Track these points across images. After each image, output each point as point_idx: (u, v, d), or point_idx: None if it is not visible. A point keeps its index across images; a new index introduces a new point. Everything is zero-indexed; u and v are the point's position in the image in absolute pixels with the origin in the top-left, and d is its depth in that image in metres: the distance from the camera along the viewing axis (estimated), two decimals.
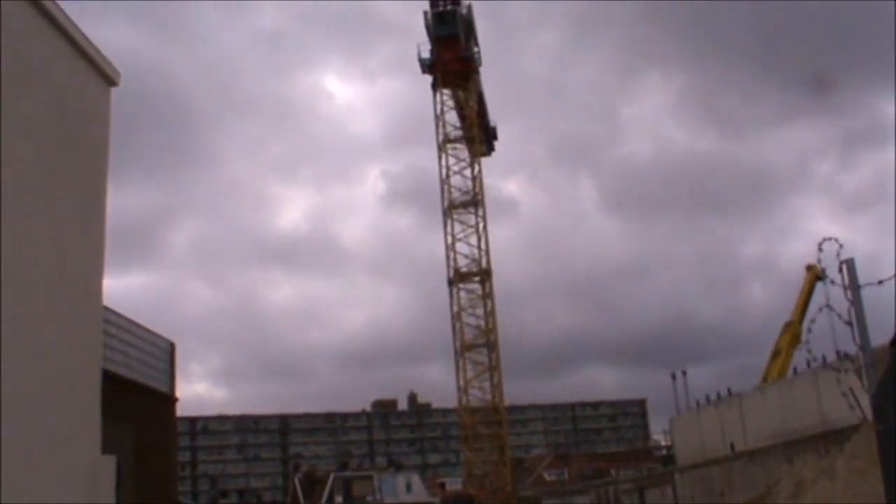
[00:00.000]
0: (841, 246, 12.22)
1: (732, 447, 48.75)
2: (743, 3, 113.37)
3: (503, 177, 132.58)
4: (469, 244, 64.33)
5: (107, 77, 18.96)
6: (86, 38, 17.96)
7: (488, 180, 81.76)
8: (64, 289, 16.38)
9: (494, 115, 70.23)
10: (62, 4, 17.23)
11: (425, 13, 62.94)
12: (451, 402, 65.18)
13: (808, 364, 36.10)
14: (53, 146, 16.57)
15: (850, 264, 12.07)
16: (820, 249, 12.60)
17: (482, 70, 65.93)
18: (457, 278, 63.49)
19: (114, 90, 19.23)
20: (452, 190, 64.89)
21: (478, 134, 65.53)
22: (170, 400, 28.71)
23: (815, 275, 48.18)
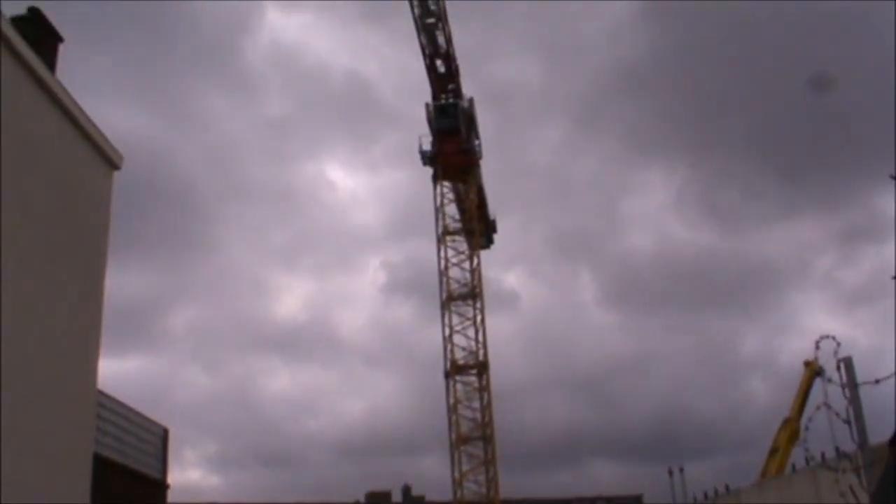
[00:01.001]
0: (838, 344, 12.19)
1: None
2: (742, 99, 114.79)
3: (504, 269, 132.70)
4: (467, 336, 63.89)
5: (110, 161, 19.11)
6: (90, 122, 18.14)
7: (489, 272, 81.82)
8: (59, 371, 16.31)
9: (495, 208, 70.27)
10: (68, 86, 17.48)
11: (427, 105, 63.42)
12: (445, 494, 63.91)
13: (807, 461, 35.69)
14: (54, 227, 16.63)
15: (847, 363, 12.03)
16: (817, 347, 12.55)
17: (483, 163, 66.40)
18: (453, 371, 62.89)
19: (117, 173, 19.39)
20: (451, 282, 64.63)
21: (477, 227, 65.55)
22: (161, 486, 28.38)
23: (814, 371, 47.98)
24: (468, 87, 64.35)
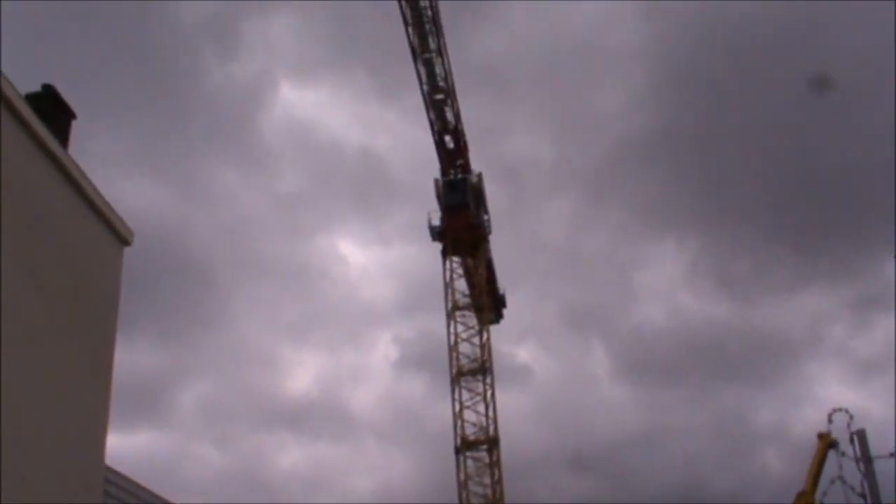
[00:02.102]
0: (851, 417, 12.11)
1: None
2: (754, 168, 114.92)
3: (516, 343, 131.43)
4: (477, 412, 63.48)
5: (121, 237, 19.19)
6: (102, 198, 18.26)
7: (501, 347, 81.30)
8: (66, 446, 16.20)
9: (505, 281, 70.15)
10: (81, 162, 17.63)
11: (436, 181, 63.89)
12: None
13: None
14: (64, 301, 16.65)
15: (861, 435, 11.98)
16: (830, 421, 12.47)
17: (493, 237, 66.55)
18: (464, 446, 62.38)
19: (128, 248, 19.47)
20: (461, 357, 64.44)
21: (486, 302, 65.42)
22: None
23: (827, 443, 47.57)
24: (478, 162, 64.73)
